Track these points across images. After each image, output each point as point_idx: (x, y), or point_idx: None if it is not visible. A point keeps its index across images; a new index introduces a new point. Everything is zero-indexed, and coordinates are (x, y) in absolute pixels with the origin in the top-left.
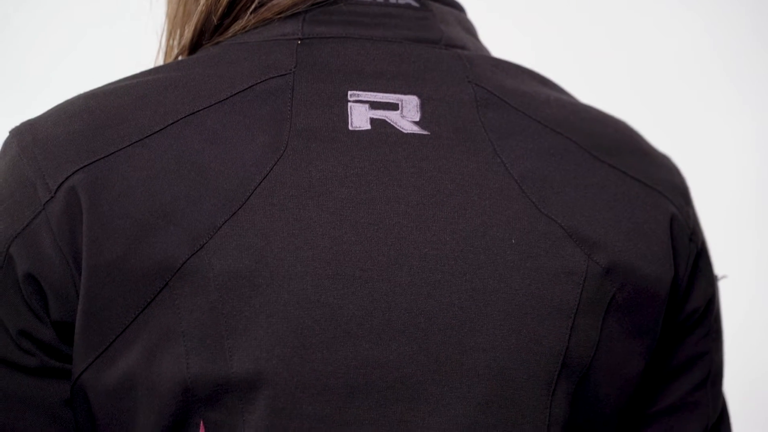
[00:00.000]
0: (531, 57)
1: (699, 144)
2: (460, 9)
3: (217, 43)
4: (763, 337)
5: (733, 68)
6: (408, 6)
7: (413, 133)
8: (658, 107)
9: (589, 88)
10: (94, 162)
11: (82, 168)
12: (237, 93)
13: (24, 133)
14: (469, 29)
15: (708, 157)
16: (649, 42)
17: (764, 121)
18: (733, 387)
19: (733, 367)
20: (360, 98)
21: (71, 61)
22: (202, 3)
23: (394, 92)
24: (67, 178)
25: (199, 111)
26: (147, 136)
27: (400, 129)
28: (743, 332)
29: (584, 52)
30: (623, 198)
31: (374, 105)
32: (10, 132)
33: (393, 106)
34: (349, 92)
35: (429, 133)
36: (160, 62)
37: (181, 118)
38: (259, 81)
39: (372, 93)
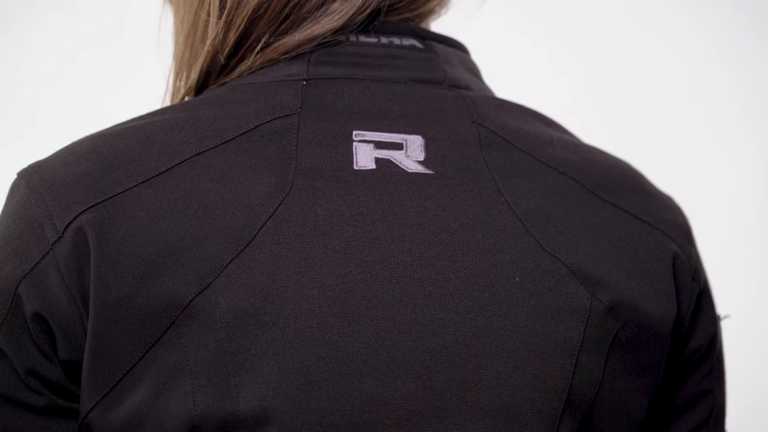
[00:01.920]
0: (525, 63)
1: (700, 161)
2: (464, 50)
3: (223, 83)
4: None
5: (736, 77)
6: (412, 47)
7: (418, 173)
8: (659, 116)
9: (596, 103)
10: (102, 202)
11: (89, 208)
12: (243, 133)
13: (32, 174)
14: (473, 70)
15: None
16: (651, 53)
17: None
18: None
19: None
20: (365, 138)
21: (62, 85)
22: (208, 43)
23: (399, 132)
24: (74, 219)
25: (205, 151)
26: (154, 177)
27: (405, 168)
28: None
29: (587, 59)
30: (626, 237)
31: (379, 145)
32: (18, 174)
33: (397, 146)
34: (354, 132)
35: (433, 173)
36: (167, 103)
37: (188, 159)
38: (264, 121)
39: (377, 133)
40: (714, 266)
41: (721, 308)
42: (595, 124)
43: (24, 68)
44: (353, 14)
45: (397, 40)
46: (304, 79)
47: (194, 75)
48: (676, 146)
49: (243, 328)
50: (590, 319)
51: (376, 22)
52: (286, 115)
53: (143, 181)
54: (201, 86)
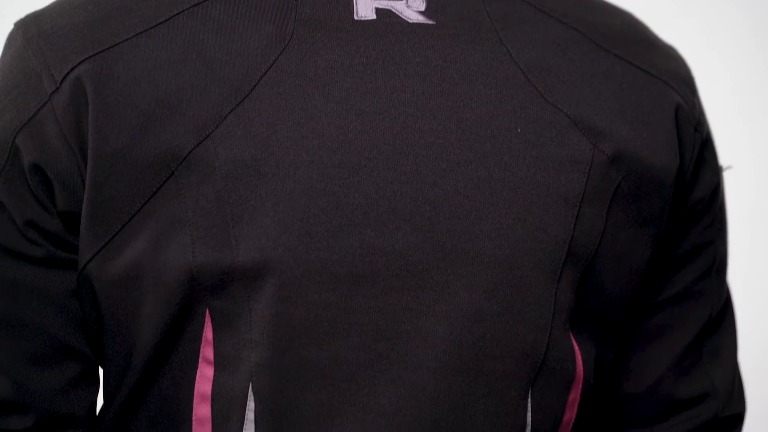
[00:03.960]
0: None
1: None
2: None
3: None
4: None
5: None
6: None
7: (419, 23)
8: None
9: None
10: (100, 53)
11: (87, 59)
12: None
13: (29, 24)
14: None
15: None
16: None
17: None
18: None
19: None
20: None
21: None
22: None
23: None
24: (72, 69)
25: (204, 1)
26: (152, 27)
27: (406, 19)
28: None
29: None
30: (629, 88)
31: None
32: (15, 24)
33: None
34: None
35: (434, 23)
36: None
37: (186, 9)
38: None
39: None
40: None
41: None
42: None
43: None
44: None
45: None
46: None
47: None
48: None
49: (242, 179)
50: (592, 170)
51: None
52: None
53: (141, 32)
54: None
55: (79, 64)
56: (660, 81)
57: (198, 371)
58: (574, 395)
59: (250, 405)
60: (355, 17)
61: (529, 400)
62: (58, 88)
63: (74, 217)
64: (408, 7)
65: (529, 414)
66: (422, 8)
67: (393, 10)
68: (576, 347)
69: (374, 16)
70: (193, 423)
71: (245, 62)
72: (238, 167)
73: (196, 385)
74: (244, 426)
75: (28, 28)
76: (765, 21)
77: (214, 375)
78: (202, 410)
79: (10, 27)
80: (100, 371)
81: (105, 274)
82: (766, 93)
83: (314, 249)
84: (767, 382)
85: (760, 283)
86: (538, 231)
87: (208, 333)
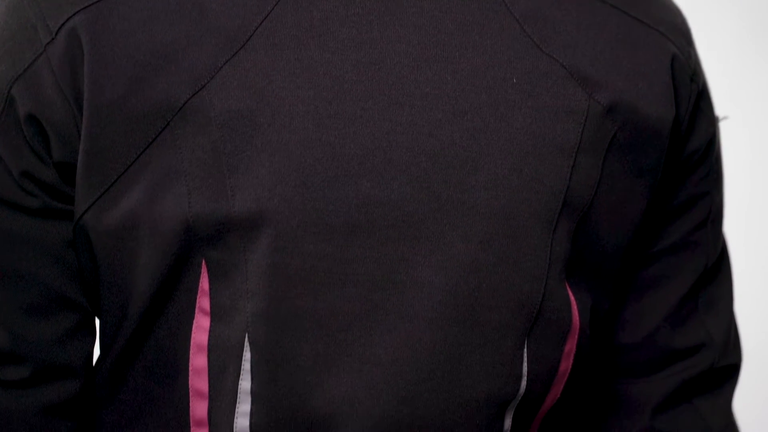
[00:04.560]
0: None
1: None
2: None
3: None
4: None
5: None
6: None
7: None
8: None
9: None
10: (95, 3)
11: (82, 9)
12: None
13: None
14: None
15: None
16: None
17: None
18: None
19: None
20: None
21: None
22: None
23: None
24: (68, 20)
25: None
26: None
27: None
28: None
29: None
30: (624, 38)
31: None
32: None
33: None
34: None
35: None
36: None
37: None
38: None
39: None
40: None
41: None
42: None
43: None
44: None
45: None
46: None
47: None
48: None
49: (238, 130)
50: (588, 121)
51: None
52: None
53: None
54: None
55: (74, 14)
56: (656, 31)
57: (194, 322)
58: (570, 346)
59: (246, 355)
60: None
61: (525, 350)
62: (53, 39)
63: (70, 167)
64: None
65: (525, 364)
66: None
67: None
68: (572, 297)
69: None
70: (190, 373)
71: (240, 12)
72: (234, 118)
73: (193, 335)
74: (241, 376)
75: None
76: (765, 21)
77: (211, 325)
78: (198, 360)
79: None
80: (97, 322)
81: (101, 224)
82: (766, 93)
83: (310, 199)
84: (767, 381)
85: (757, 283)
86: (534, 181)
87: (204, 283)
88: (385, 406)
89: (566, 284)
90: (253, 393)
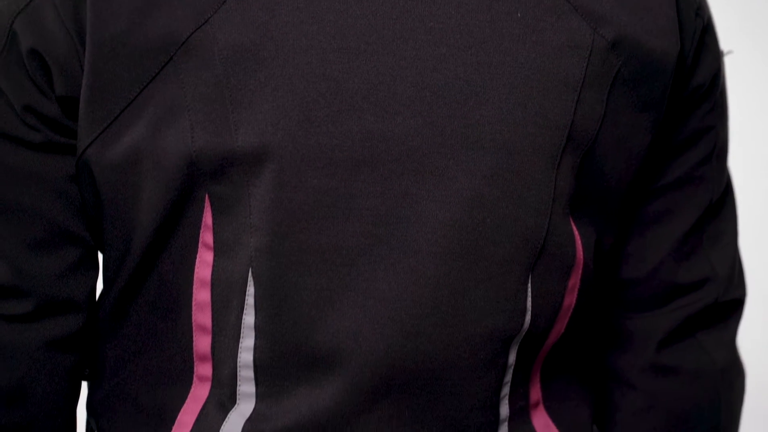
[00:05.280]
0: None
1: None
2: None
3: None
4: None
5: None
6: None
7: None
8: None
9: None
10: None
11: None
12: None
13: None
14: None
15: None
16: None
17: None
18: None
19: None
20: None
21: None
22: None
23: None
24: None
25: None
26: None
27: None
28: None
29: None
30: None
31: None
32: None
33: None
34: None
35: None
36: None
37: None
38: None
39: None
40: None
41: None
42: None
43: None
44: None
45: None
46: None
47: None
48: None
49: (241, 64)
50: (592, 55)
51: None
52: None
53: None
54: None
55: None
56: None
57: (198, 256)
58: (574, 280)
59: (250, 290)
60: None
61: (529, 285)
62: None
63: (73, 102)
64: None
65: (529, 299)
66: None
67: None
68: (576, 232)
69: None
70: (193, 308)
71: None
72: (237, 52)
73: (196, 270)
74: (244, 310)
75: None
76: (765, 21)
77: (214, 260)
78: (201, 295)
79: None
80: (100, 257)
81: (104, 159)
82: (765, 93)
83: (314, 134)
84: (767, 381)
85: (757, 284)
86: (538, 116)
87: (207, 218)
88: (389, 341)
89: (570, 219)
90: (257, 328)
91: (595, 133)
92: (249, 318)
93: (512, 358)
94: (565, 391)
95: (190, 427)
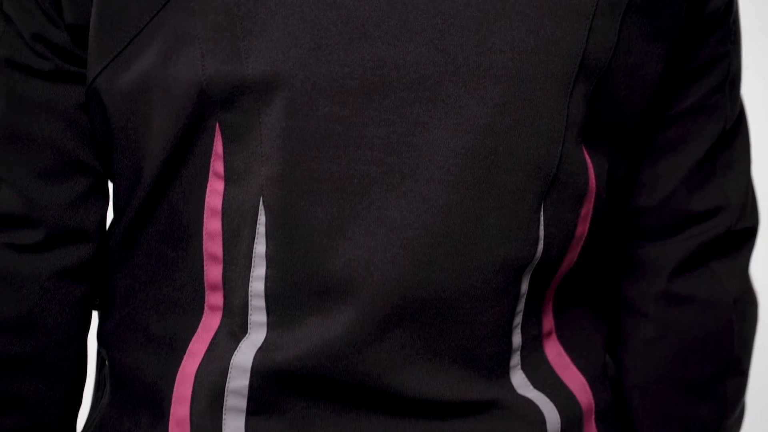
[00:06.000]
0: None
1: None
2: None
3: None
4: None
5: None
6: None
7: None
8: None
9: None
10: None
11: None
12: None
13: None
14: None
15: None
16: None
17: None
18: None
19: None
20: None
21: None
22: None
23: None
24: None
25: None
26: None
27: None
28: None
29: None
30: None
31: None
32: None
33: None
34: None
35: None
36: None
37: None
38: None
39: None
40: None
41: None
42: None
43: None
44: None
45: None
46: None
47: None
48: None
49: None
50: None
51: None
52: None
53: None
54: None
55: None
56: None
57: (208, 185)
58: (587, 209)
59: (261, 219)
60: None
61: (542, 213)
62: None
63: (82, 30)
64: None
65: (541, 228)
66: None
67: None
68: (588, 160)
69: None
70: (204, 237)
71: None
72: None
73: (207, 199)
74: (255, 239)
75: None
76: (764, 21)
77: (225, 189)
78: (212, 224)
79: None
80: (110, 186)
81: (114, 87)
82: (766, 93)
83: (325, 62)
84: (767, 381)
85: (757, 284)
86: (551, 44)
87: (218, 147)
88: (401, 270)
89: (583, 147)
90: (268, 257)
91: (607, 61)
92: (260, 247)
93: (525, 287)
94: (577, 321)
95: (201, 357)
